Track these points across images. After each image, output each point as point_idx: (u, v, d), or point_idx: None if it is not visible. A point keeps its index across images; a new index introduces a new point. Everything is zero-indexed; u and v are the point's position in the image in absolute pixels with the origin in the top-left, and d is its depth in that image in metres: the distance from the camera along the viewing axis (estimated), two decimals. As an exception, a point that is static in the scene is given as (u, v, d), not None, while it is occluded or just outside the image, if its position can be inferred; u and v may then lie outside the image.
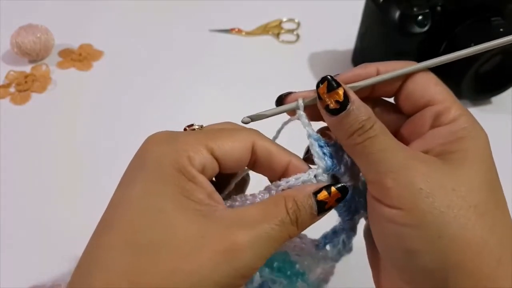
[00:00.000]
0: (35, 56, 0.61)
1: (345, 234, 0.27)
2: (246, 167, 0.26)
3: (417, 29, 0.51)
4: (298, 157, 0.26)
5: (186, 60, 0.64)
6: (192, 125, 0.26)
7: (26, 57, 0.62)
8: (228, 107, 0.56)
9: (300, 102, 0.26)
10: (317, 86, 0.24)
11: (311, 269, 0.30)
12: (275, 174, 0.25)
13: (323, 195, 0.23)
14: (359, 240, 0.28)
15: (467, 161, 0.22)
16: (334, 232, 0.28)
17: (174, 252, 0.19)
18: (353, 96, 0.23)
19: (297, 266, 0.30)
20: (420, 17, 0.51)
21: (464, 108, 0.24)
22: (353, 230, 0.28)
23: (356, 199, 0.27)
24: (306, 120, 0.26)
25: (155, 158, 0.21)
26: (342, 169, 0.25)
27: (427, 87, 0.25)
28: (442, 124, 0.23)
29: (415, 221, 0.20)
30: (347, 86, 0.23)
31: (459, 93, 0.54)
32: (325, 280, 0.32)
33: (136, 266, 0.19)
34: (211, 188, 0.22)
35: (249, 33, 0.68)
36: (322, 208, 0.23)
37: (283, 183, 0.24)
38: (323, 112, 0.24)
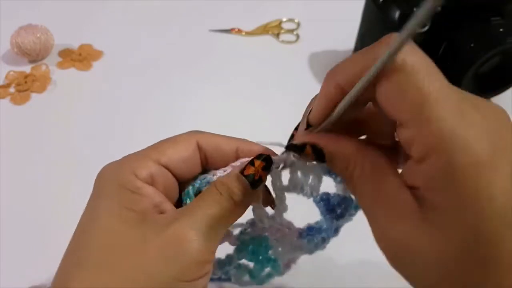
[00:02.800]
0: (35, 56, 0.61)
1: (326, 233, 0.29)
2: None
3: (417, 29, 0.51)
4: (246, 140, 0.27)
5: (186, 60, 0.64)
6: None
7: (26, 57, 0.62)
8: (228, 107, 0.56)
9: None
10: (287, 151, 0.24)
11: (283, 257, 0.32)
12: (229, 163, 0.26)
13: (248, 170, 0.24)
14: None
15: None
16: (319, 228, 0.30)
17: (117, 263, 0.20)
18: (325, 147, 0.22)
19: (270, 251, 0.31)
20: (420, 17, 0.51)
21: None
22: (336, 232, 0.30)
23: (343, 206, 0.28)
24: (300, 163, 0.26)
25: (103, 180, 0.23)
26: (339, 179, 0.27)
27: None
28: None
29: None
30: (314, 138, 0.23)
31: (459, 93, 0.54)
32: (288, 266, 0.34)
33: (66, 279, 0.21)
34: (159, 198, 0.23)
35: (249, 33, 0.68)
36: (253, 181, 0.23)
37: (237, 163, 0.26)
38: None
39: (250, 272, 0.32)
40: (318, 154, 0.23)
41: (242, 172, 0.24)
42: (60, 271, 0.22)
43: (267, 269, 0.33)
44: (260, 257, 0.31)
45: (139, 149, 0.25)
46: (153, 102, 0.58)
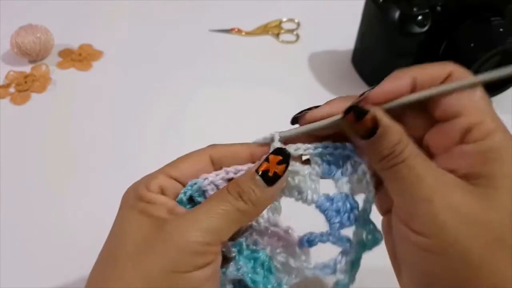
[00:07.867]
0: (35, 56, 0.61)
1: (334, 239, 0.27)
2: None
3: (417, 29, 0.51)
4: (256, 144, 0.28)
5: (186, 60, 0.64)
6: None
7: (26, 57, 0.62)
8: (228, 107, 0.56)
9: (277, 136, 0.26)
10: (345, 114, 0.23)
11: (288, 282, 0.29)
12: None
13: (262, 166, 0.24)
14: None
15: (498, 190, 0.21)
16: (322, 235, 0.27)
17: (137, 264, 0.23)
18: (383, 120, 0.22)
19: (272, 277, 0.28)
20: (420, 17, 0.51)
21: (499, 122, 0.22)
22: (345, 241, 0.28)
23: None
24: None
25: (126, 196, 0.26)
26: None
27: (461, 94, 0.23)
28: (472, 141, 0.22)
29: (439, 250, 0.21)
30: (377, 110, 0.23)
31: (459, 93, 0.54)
32: None
33: (101, 278, 0.23)
34: (171, 204, 0.25)
35: (249, 33, 0.68)
36: (268, 178, 0.24)
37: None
38: (352, 135, 0.24)
39: None
40: (375, 124, 0.22)
41: (257, 170, 0.24)
42: (94, 274, 0.24)
43: None
44: (258, 276, 0.27)
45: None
46: (153, 102, 0.58)
